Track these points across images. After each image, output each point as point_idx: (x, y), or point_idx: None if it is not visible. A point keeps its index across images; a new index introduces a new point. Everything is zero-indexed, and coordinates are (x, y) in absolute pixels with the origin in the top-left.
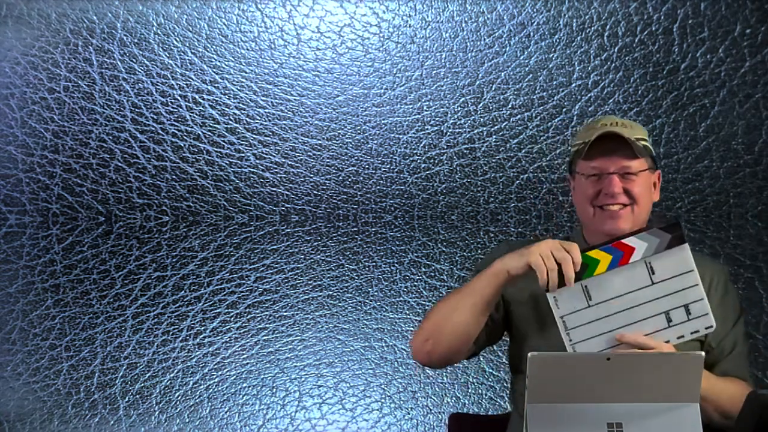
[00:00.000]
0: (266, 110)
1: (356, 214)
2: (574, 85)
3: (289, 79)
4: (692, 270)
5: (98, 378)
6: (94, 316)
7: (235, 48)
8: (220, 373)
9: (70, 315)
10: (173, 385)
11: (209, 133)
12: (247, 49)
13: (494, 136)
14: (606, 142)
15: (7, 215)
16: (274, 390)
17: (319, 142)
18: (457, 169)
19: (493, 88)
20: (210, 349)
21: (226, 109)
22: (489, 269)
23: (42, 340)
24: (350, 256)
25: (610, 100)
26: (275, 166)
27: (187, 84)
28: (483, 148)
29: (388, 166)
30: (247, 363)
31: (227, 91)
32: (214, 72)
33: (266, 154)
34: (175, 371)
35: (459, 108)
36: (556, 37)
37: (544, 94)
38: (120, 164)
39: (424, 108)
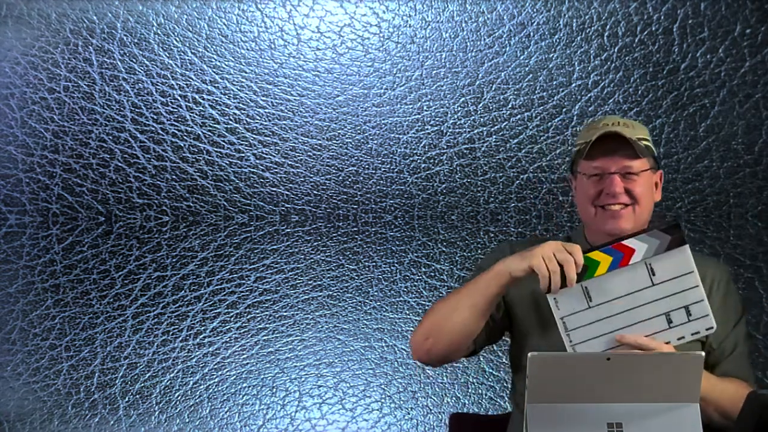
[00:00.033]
0: (266, 110)
1: (356, 214)
2: (574, 85)
3: (289, 79)
4: (692, 271)
5: (98, 378)
6: (94, 316)
7: (235, 48)
8: (220, 373)
9: (70, 315)
10: (173, 385)
11: (209, 133)
12: (247, 49)
13: (494, 136)
14: (608, 141)
15: (7, 215)
16: (274, 390)
17: (319, 142)
18: (457, 169)
19: (493, 88)
20: (210, 349)
21: (226, 109)
22: (491, 270)
23: (42, 340)
24: (350, 256)
25: (610, 100)
26: (275, 166)
27: (187, 84)
28: (483, 148)
29: (388, 166)
30: (247, 363)
31: (227, 91)
32: (214, 72)
33: (266, 154)
34: (175, 371)
35: (459, 108)
36: (556, 37)
37: (544, 94)
38: (120, 164)
39: (424, 108)
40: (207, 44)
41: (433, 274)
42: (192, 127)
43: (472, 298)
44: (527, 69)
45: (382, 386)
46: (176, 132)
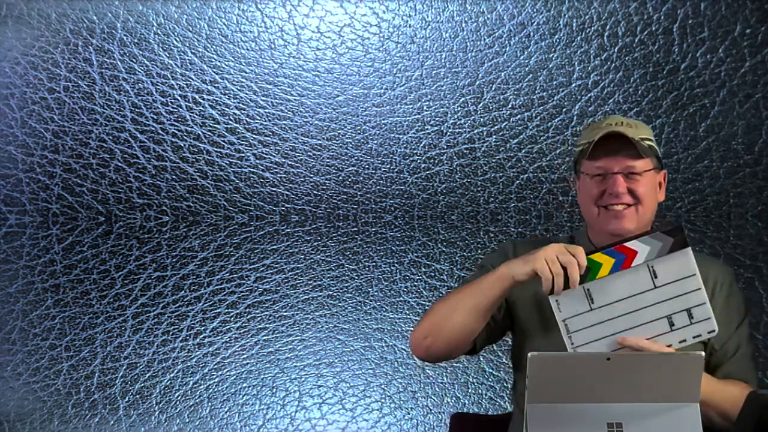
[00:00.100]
0: (266, 110)
1: (356, 214)
2: (574, 85)
3: (289, 79)
4: (695, 274)
5: (98, 378)
6: (94, 316)
7: (235, 48)
8: (220, 373)
9: (70, 315)
10: (173, 385)
11: (209, 133)
12: (247, 49)
13: (494, 136)
14: (610, 141)
15: (7, 215)
16: (274, 390)
17: (319, 142)
18: (457, 169)
19: (493, 88)
20: (210, 349)
21: (226, 109)
22: (494, 273)
23: (42, 340)
24: (350, 256)
25: (610, 100)
26: (275, 166)
27: (187, 84)
28: (483, 148)
29: (388, 166)
30: (247, 363)
31: (227, 91)
32: (214, 72)
33: (266, 154)
34: (175, 371)
35: (459, 108)
36: (556, 37)
37: (544, 94)
38: (120, 164)
39: (424, 108)
40: (207, 44)
41: (433, 274)
42: (192, 127)
43: (473, 299)
44: (527, 69)
45: (382, 386)
46: (176, 132)
